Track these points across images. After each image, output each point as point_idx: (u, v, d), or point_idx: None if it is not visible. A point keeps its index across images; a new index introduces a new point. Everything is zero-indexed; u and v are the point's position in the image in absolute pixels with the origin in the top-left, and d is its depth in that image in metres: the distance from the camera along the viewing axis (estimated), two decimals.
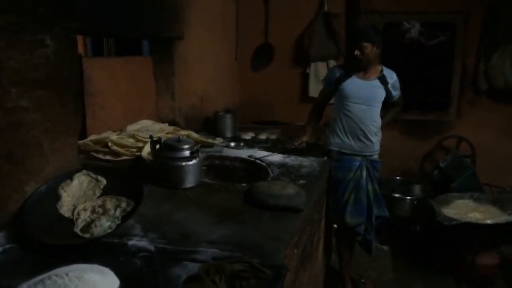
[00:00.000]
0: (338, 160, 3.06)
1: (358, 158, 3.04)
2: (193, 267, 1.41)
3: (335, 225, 3.36)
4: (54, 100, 1.82)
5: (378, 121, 3.07)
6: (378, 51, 2.92)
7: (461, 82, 4.41)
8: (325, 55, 4.40)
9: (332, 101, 3.19)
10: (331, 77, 3.08)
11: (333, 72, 3.09)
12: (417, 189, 4.32)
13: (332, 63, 4.37)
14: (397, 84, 3.09)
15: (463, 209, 3.47)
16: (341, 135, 3.05)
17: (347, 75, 3.00)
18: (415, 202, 3.99)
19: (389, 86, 3.02)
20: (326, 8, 4.36)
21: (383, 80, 3.00)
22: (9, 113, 1.60)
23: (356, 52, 2.87)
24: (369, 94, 2.98)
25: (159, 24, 2.90)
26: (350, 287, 3.34)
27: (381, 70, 3.03)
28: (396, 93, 3.10)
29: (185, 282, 1.34)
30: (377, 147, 3.09)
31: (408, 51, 4.46)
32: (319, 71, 4.43)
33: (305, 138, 3.13)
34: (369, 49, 2.87)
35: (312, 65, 4.48)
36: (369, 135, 3.01)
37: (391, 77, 3.05)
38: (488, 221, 3.25)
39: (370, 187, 3.06)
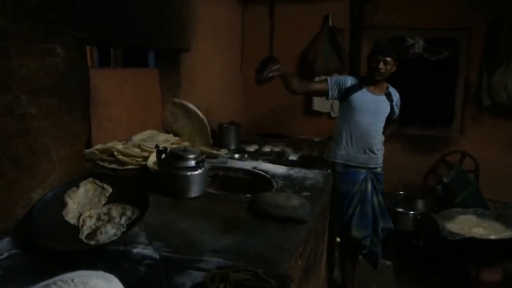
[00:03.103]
0: (343, 173, 3.08)
1: (363, 170, 3.07)
2: (197, 276, 1.42)
3: (338, 239, 3.35)
4: (62, 108, 1.84)
5: (382, 136, 3.13)
6: (394, 69, 3.02)
7: (464, 98, 4.43)
8: (329, 69, 4.43)
9: (335, 114, 3.21)
10: (342, 83, 3.08)
11: (347, 79, 3.10)
12: (420, 204, 4.31)
13: None
14: (399, 103, 3.19)
15: (467, 225, 3.47)
16: (347, 147, 3.08)
17: (359, 86, 3.06)
18: (419, 217, 3.97)
19: (394, 103, 3.12)
20: (330, 23, 4.41)
21: (389, 96, 3.10)
22: (18, 120, 1.62)
23: (381, 65, 2.94)
24: (377, 108, 3.05)
25: (167, 35, 2.93)
26: None
27: (387, 87, 3.12)
28: (397, 111, 3.20)
29: None
30: (380, 159, 3.13)
31: (412, 67, 4.48)
32: None
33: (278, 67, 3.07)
34: (391, 65, 2.96)
35: (316, 78, 4.50)
36: (374, 148, 3.06)
37: (395, 95, 3.15)
38: (492, 237, 3.24)
39: (375, 199, 3.08)
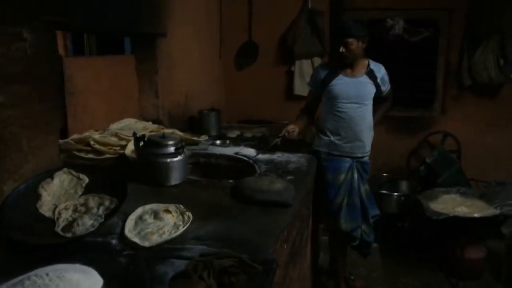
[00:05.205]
0: (327, 160, 2.94)
1: (348, 159, 2.93)
2: (180, 264, 1.37)
3: (322, 225, 3.30)
4: (32, 96, 1.76)
5: (370, 119, 2.97)
6: (364, 45, 2.83)
7: (445, 78, 4.43)
8: (310, 52, 4.38)
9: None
10: (316, 79, 2.96)
11: (318, 73, 2.97)
12: (404, 185, 4.32)
13: (317, 60, 4.36)
14: (386, 78, 2.98)
15: (450, 204, 3.48)
16: (330, 136, 2.94)
17: (333, 74, 2.89)
18: (403, 198, 3.99)
19: (378, 80, 2.91)
20: (310, 6, 4.34)
21: (371, 75, 2.89)
22: None
23: (341, 49, 2.75)
24: (358, 92, 2.86)
25: (143, 20, 2.84)
26: (344, 286, 3.28)
27: (368, 65, 2.91)
28: (385, 88, 2.99)
29: (172, 279, 1.29)
30: (368, 148, 2.99)
31: (392, 48, 4.46)
32: (304, 68, 4.41)
33: (292, 126, 2.88)
34: (355, 44, 2.76)
35: (297, 63, 4.45)
36: (360, 135, 2.91)
37: (379, 71, 2.93)
38: (475, 215, 3.26)
39: (362, 189, 2.97)
